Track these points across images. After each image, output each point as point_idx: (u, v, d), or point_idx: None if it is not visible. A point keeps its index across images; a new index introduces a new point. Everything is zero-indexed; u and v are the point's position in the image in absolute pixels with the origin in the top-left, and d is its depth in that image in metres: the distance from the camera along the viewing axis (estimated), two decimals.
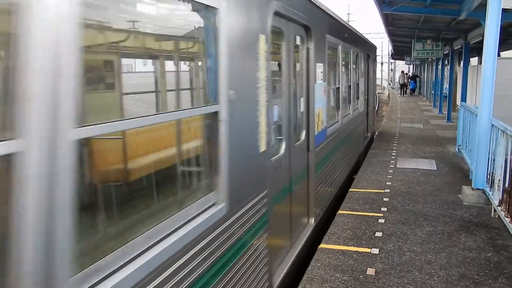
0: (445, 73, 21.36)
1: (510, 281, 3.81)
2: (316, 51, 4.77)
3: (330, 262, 4.26)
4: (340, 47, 6.63)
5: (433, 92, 23.51)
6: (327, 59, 5.49)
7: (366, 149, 10.49)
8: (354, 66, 8.46)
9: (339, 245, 4.67)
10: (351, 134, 7.95)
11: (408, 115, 18.51)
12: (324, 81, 5.29)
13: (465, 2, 8.89)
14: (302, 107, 4.56)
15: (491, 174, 5.68)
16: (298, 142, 4.40)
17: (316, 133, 4.85)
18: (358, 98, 9.08)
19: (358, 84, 8.98)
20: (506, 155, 4.96)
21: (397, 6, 10.24)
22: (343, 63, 7.25)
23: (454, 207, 5.88)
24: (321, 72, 5.11)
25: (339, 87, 6.77)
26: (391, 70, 54.12)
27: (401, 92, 34.26)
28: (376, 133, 13.59)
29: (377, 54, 13.96)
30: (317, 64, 4.88)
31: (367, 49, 10.56)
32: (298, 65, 4.55)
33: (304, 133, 4.62)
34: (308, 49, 4.65)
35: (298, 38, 4.42)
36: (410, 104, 24.68)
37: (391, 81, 51.94)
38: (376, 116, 21.47)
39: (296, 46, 4.41)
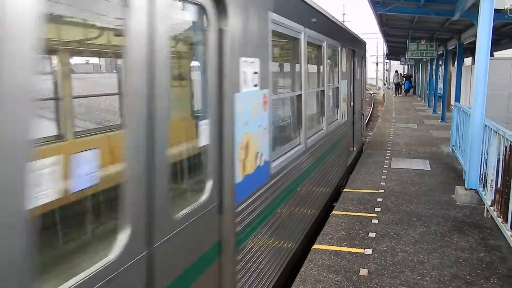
0: (440, 73, 21.48)
1: (502, 281, 3.82)
2: (240, 37, 2.83)
3: (323, 262, 4.25)
4: (302, 36, 4.54)
5: (427, 92, 23.64)
6: (271, 53, 3.49)
7: (352, 166, 8.63)
8: (330, 65, 6.51)
9: (332, 245, 4.67)
10: (326, 155, 5.95)
11: (402, 115, 18.58)
12: (264, 88, 3.28)
13: (458, 2, 8.93)
14: (203, 138, 2.51)
15: (484, 174, 5.70)
16: (189, 208, 2.30)
17: (240, 179, 2.86)
18: (338, 106, 6.95)
19: (338, 88, 6.86)
20: (499, 155, 4.98)
21: (391, 6, 10.26)
22: (310, 59, 5.41)
23: (447, 207, 5.89)
24: (255, 72, 3.11)
25: (301, 95, 4.61)
26: (386, 70, 54.38)
27: (395, 92, 34.46)
28: (370, 134, 13.61)
29: (366, 51, 11.56)
30: (244, 59, 2.89)
31: (353, 44, 8.41)
32: (191, 59, 2.90)
33: (210, 184, 2.54)
34: (220, 32, 2.61)
35: (188, 8, 2.49)
36: (405, 104, 24.78)
37: (386, 81, 52.16)
38: (370, 118, 21.52)
39: (187, 24, 2.63)
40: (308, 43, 4.86)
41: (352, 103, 8.60)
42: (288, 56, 5.06)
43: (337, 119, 6.94)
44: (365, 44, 11.28)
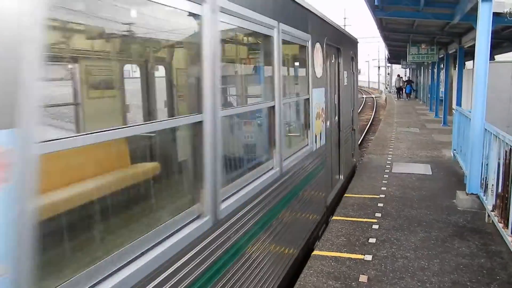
0: (441, 76, 21.45)
1: (503, 287, 3.78)
2: None
3: (322, 269, 4.22)
4: (208, 12, 2.43)
5: (429, 96, 23.60)
6: (43, 33, 1.37)
7: (336, 202, 6.50)
8: (292, 67, 5.01)
9: (332, 251, 4.64)
10: (279, 210, 3.77)
11: (404, 119, 18.54)
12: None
13: (458, 6, 8.94)
14: None
15: (485, 179, 5.66)
16: None
17: None
18: (307, 126, 4.82)
19: (307, 100, 4.76)
20: (499, 159, 4.95)
21: (390, 11, 10.28)
22: (235, 57, 4.17)
23: (448, 212, 5.85)
24: None
25: (202, 122, 2.42)
26: (388, 74, 54.40)
27: (397, 96, 34.58)
28: (372, 138, 13.58)
29: (358, 51, 9.12)
30: None
31: (336, 41, 6.43)
32: None
33: None
34: None
35: None
36: (406, 108, 24.74)
37: (388, 85, 52.21)
38: (372, 122, 21.47)
39: None
40: (230, 30, 2.99)
41: (336, 117, 6.70)
42: (181, 50, 3.13)
43: (307, 145, 4.76)
44: (357, 42, 9.04)
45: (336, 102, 6.72)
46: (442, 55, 18.51)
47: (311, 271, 4.18)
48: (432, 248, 4.66)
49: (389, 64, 49.68)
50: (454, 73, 17.89)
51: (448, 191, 6.83)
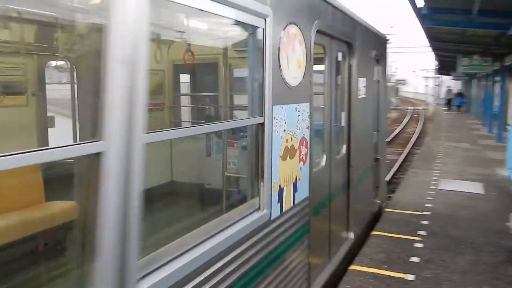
0: (496, 90, 20.22)
1: None
2: None
3: (360, 285, 4.07)
4: None
5: (482, 110, 22.32)
6: None
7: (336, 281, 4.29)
8: (214, 71, 3.47)
9: (371, 267, 4.46)
10: None
11: (453, 133, 17.64)
12: None
13: None
14: None
15: None
16: None
17: None
18: (258, 175, 2.69)
19: (261, 127, 2.65)
20: None
21: (439, 19, 9.87)
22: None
23: (501, 236, 5.43)
24: None
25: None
26: (437, 85, 52.21)
27: (447, 109, 33.26)
28: (418, 152, 12.99)
29: (385, 51, 6.92)
30: None
31: (344, 32, 4.34)
32: None
33: None
34: None
35: None
36: (456, 122, 23.56)
37: (437, 97, 50.15)
38: (419, 136, 20.63)
39: None
40: None
41: (345, 148, 4.67)
42: None
43: (257, 209, 2.68)
44: (386, 40, 6.94)
45: (345, 124, 4.67)
46: (496, 67, 17.45)
47: (348, 287, 4.04)
48: (482, 273, 4.34)
49: (439, 75, 47.69)
50: (511, 87, 16.80)
51: (502, 213, 6.35)
